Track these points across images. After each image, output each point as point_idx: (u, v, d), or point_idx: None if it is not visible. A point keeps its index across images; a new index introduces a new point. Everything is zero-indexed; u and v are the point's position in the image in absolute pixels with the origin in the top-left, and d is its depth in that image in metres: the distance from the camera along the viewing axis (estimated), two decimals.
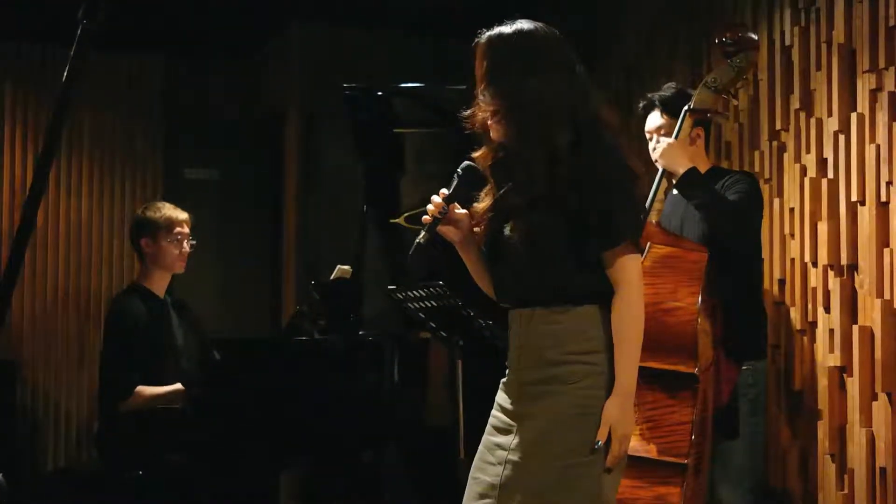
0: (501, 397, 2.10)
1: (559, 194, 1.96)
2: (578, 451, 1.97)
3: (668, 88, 3.08)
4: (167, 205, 3.72)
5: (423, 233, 2.02)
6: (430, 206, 2.05)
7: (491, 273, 2.14)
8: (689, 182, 2.88)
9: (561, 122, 1.99)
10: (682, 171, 2.88)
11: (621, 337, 2.00)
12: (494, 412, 2.10)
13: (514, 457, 2.00)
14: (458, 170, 2.07)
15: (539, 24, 2.06)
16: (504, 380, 2.12)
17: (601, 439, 1.97)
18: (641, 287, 2.02)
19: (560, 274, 2.01)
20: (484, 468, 2.05)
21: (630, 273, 2.00)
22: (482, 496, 2.01)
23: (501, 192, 2.06)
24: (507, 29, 2.03)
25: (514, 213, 2.03)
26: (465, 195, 2.07)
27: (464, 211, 2.09)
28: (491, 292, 2.17)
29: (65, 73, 1.60)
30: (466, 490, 2.07)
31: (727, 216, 2.88)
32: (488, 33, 2.03)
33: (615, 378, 2.00)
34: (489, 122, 2.03)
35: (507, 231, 2.05)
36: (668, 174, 2.95)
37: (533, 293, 2.04)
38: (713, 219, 2.87)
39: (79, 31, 1.60)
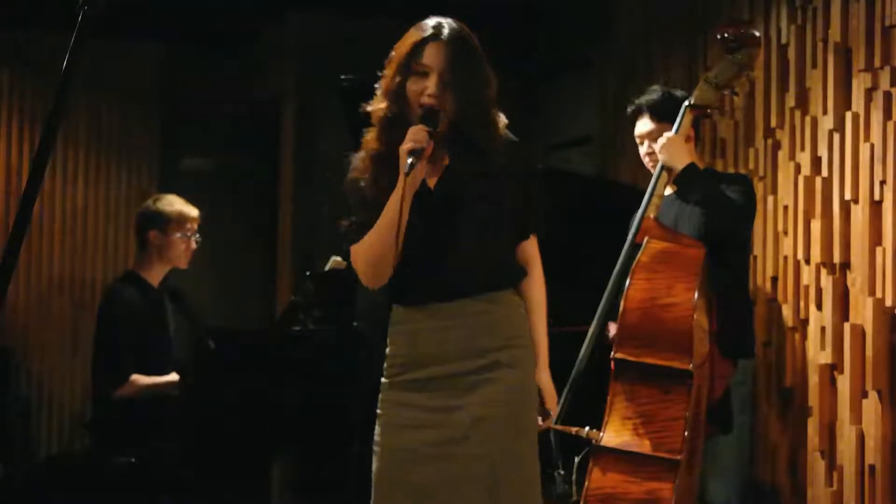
0: (405, 396, 2.04)
1: (505, 185, 2.07)
2: (525, 432, 2.06)
3: (655, 92, 3.08)
4: (179, 199, 3.73)
5: (411, 161, 1.94)
6: (417, 136, 1.97)
7: (411, 267, 2.02)
8: (689, 177, 2.89)
9: (495, 119, 2.10)
10: (681, 166, 2.89)
11: (541, 307, 2.16)
12: (400, 412, 2.04)
13: (456, 449, 1.99)
14: (429, 109, 2.01)
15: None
16: (408, 378, 2.05)
17: (552, 409, 2.13)
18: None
19: (498, 261, 2.09)
20: (411, 471, 2.01)
21: (537, 249, 2.18)
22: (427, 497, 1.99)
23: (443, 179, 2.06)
24: (454, 23, 2.06)
25: (459, 203, 2.02)
26: (433, 134, 2.02)
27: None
28: (388, 271, 2.01)
29: (65, 61, 1.61)
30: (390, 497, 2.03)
31: (726, 211, 2.89)
32: (445, 28, 2.04)
33: (539, 348, 2.13)
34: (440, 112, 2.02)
35: (441, 221, 2.02)
36: (666, 170, 2.94)
37: (470, 283, 2.04)
38: (712, 213, 2.87)
39: (79, 18, 1.60)
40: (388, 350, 2.13)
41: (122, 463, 3.40)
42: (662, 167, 2.93)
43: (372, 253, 2.02)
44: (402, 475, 2.03)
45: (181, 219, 3.63)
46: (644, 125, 3.08)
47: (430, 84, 2.01)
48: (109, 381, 3.51)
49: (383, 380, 2.12)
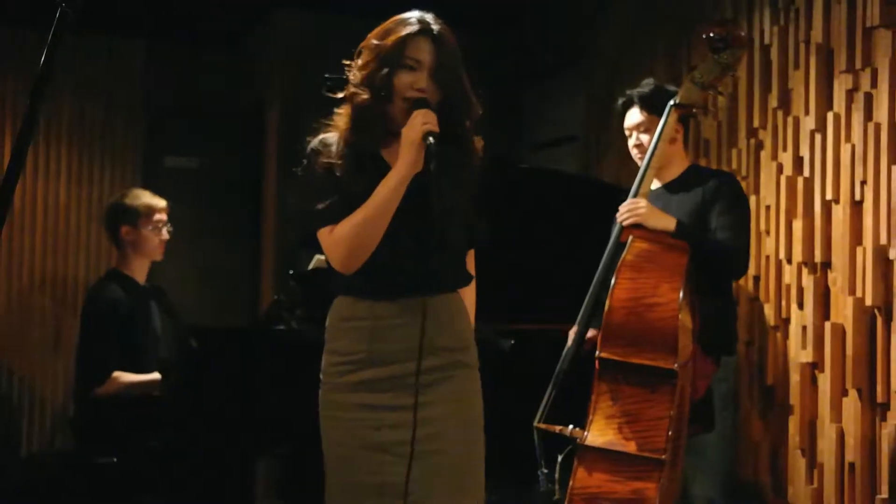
0: (361, 397, 2.01)
1: (471, 189, 2.11)
2: (480, 424, 2.11)
3: (647, 85, 3.10)
4: (144, 192, 3.74)
5: (431, 139, 1.95)
6: (428, 117, 1.97)
7: (382, 257, 2.01)
8: (682, 238, 2.85)
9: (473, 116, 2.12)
10: (671, 227, 2.82)
11: (472, 306, 2.20)
12: (358, 415, 2.01)
13: (424, 447, 1.98)
14: (420, 97, 2.01)
15: None
16: (354, 379, 2.03)
17: None
18: None
19: (458, 262, 2.14)
20: (382, 471, 1.99)
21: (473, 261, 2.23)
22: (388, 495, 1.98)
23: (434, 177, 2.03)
24: (437, 20, 2.07)
25: (435, 199, 1.96)
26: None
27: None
28: (364, 256, 2.00)
29: (42, 57, 1.60)
30: (355, 493, 2.01)
31: (725, 262, 2.89)
32: (434, 23, 2.05)
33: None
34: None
35: (415, 213, 2.00)
36: (651, 169, 2.95)
37: (434, 281, 2.05)
38: (712, 267, 2.84)
39: (57, 15, 1.60)
40: (334, 346, 2.08)
41: (104, 462, 3.39)
42: (647, 166, 2.94)
43: (357, 237, 1.98)
44: (366, 476, 2.00)
45: (149, 211, 3.63)
46: (634, 116, 3.08)
47: (421, 78, 2.02)
48: (92, 379, 3.50)
49: (326, 378, 2.08)
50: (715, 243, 2.89)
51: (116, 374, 3.48)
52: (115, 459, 3.38)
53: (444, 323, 2.06)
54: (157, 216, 3.64)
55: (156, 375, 3.48)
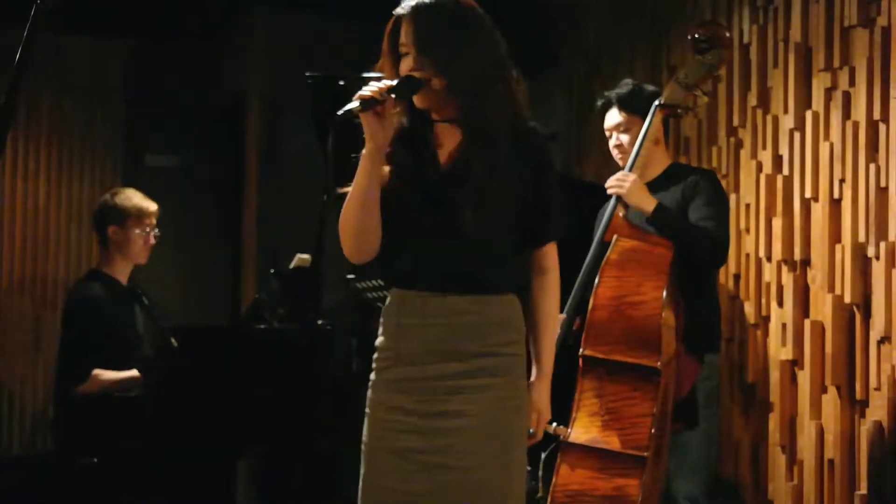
0: (393, 398, 1.94)
1: (521, 179, 1.95)
2: (516, 443, 1.95)
3: (625, 85, 3.11)
4: (137, 193, 3.69)
5: (355, 104, 1.85)
6: (371, 87, 1.88)
7: (406, 250, 1.97)
8: (662, 220, 2.88)
9: (503, 88, 1.95)
10: (650, 208, 2.86)
11: (550, 317, 2.04)
12: (391, 416, 1.94)
13: (438, 458, 1.90)
14: (408, 76, 1.93)
15: None
16: (391, 376, 1.96)
17: (534, 426, 2.00)
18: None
19: (498, 261, 1.96)
20: (402, 476, 1.92)
21: (555, 258, 2.05)
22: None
23: (452, 161, 1.96)
24: (427, 0, 1.95)
25: (460, 184, 1.91)
26: (404, 99, 1.95)
27: (396, 111, 1.93)
28: (362, 242, 1.96)
29: (17, 55, 1.59)
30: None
31: (706, 248, 2.90)
32: (411, 4, 1.95)
33: (540, 361, 2.02)
34: (423, 92, 1.94)
35: (446, 203, 1.92)
36: (636, 169, 2.96)
37: (465, 278, 1.93)
38: (693, 253, 2.85)
39: (32, 12, 1.59)
40: (377, 341, 2.02)
41: (84, 463, 3.37)
42: (631, 165, 2.95)
43: (344, 223, 1.95)
44: (392, 481, 1.94)
45: (140, 214, 3.59)
46: (613, 117, 3.10)
47: (408, 60, 1.94)
48: (72, 378, 3.48)
49: (372, 375, 2.01)
50: (696, 228, 2.90)
51: (96, 372, 3.46)
52: (95, 460, 3.36)
53: (464, 325, 1.92)
54: (147, 220, 3.61)
55: (135, 373, 3.46)
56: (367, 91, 1.87)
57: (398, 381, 1.95)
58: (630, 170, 2.94)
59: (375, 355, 2.01)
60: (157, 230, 3.65)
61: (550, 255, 2.05)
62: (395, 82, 1.91)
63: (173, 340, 3.33)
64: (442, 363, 1.92)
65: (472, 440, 1.90)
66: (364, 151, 1.93)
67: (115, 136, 5.26)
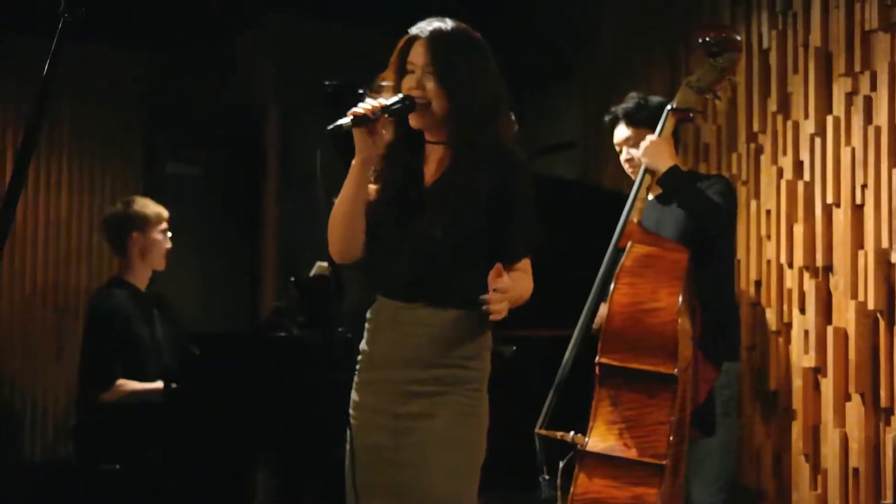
0: (367, 399, 2.07)
1: (496, 196, 2.04)
2: (469, 452, 2.04)
3: (630, 100, 3.12)
4: (148, 200, 3.80)
5: (347, 120, 1.95)
6: (365, 104, 1.99)
7: (383, 258, 2.09)
8: (672, 180, 2.90)
9: (495, 124, 2.05)
10: (663, 168, 2.89)
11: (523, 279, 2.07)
12: (361, 414, 2.07)
13: (402, 456, 2.00)
14: (403, 96, 2.02)
15: (465, 25, 2.10)
16: (364, 378, 2.09)
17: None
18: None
19: (464, 277, 2.03)
20: (374, 469, 2.04)
21: (528, 267, 2.12)
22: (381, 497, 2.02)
23: (434, 179, 2.06)
24: (446, 25, 2.06)
25: (437, 206, 2.02)
26: (397, 118, 2.04)
27: (385, 132, 2.02)
28: (347, 244, 2.08)
29: (45, 67, 1.60)
30: (360, 494, 2.04)
31: (710, 213, 2.90)
32: (430, 27, 2.05)
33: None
34: (419, 113, 2.03)
35: (419, 220, 2.03)
36: (649, 173, 2.95)
37: (429, 290, 2.03)
38: (696, 215, 2.88)
39: (60, 25, 1.60)
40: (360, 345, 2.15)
41: (106, 470, 3.39)
42: (645, 171, 2.94)
43: (331, 227, 2.09)
44: (366, 476, 2.05)
45: (158, 219, 3.70)
46: (621, 132, 3.11)
47: (411, 79, 2.04)
48: (95, 385, 3.50)
49: (355, 377, 2.14)
50: (702, 193, 2.91)
51: (120, 381, 3.49)
52: (117, 467, 3.37)
53: (430, 335, 2.02)
54: (164, 224, 3.72)
55: (159, 385, 3.48)
56: (360, 108, 1.97)
57: (371, 382, 2.08)
58: (642, 177, 2.94)
59: (359, 357, 2.14)
60: (170, 234, 3.73)
61: (524, 266, 2.13)
62: (389, 102, 2.01)
63: (195, 348, 3.34)
64: (404, 368, 2.03)
65: (427, 445, 2.00)
66: (353, 162, 2.04)
67: (135, 145, 5.29)
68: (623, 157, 3.11)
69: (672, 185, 2.89)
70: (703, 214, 2.88)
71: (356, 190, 2.05)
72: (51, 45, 1.61)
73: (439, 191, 2.05)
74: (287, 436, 3.28)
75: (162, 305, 3.76)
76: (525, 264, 2.12)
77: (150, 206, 3.72)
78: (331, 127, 1.94)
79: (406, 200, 2.06)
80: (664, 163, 2.88)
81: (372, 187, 2.09)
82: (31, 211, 5.07)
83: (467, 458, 2.05)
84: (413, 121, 2.06)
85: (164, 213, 3.74)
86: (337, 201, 2.07)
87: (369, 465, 2.05)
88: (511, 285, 1.97)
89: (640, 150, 2.96)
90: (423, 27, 2.07)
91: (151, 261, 3.69)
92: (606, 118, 3.16)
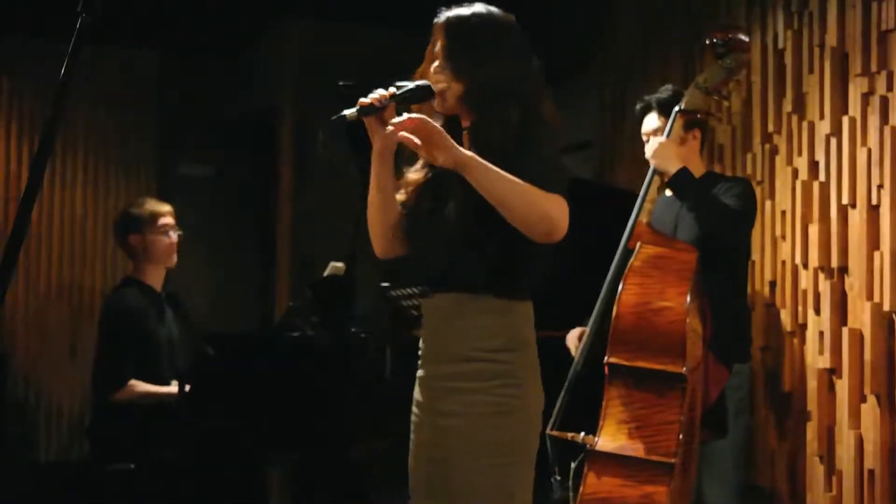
0: (417, 392, 2.07)
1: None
2: (498, 451, 1.94)
3: (665, 90, 3.10)
4: (149, 199, 3.80)
5: (353, 110, 1.92)
6: (373, 94, 1.95)
7: (413, 248, 2.07)
8: (681, 182, 2.90)
9: (515, 107, 1.97)
10: (673, 170, 2.89)
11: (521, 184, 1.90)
12: (416, 410, 2.06)
13: (437, 454, 1.99)
14: (418, 82, 1.99)
15: (496, 9, 2.05)
16: (417, 374, 2.08)
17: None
18: (562, 223, 1.95)
19: (483, 257, 1.95)
20: (415, 467, 2.04)
21: (557, 200, 1.94)
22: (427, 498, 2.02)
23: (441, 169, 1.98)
24: (465, 11, 2.02)
25: (453, 189, 1.96)
26: (406, 108, 1.98)
27: (400, 119, 1.92)
28: (382, 239, 2.07)
29: (63, 67, 1.61)
30: (412, 494, 2.05)
31: (719, 217, 2.90)
32: (447, 13, 2.02)
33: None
34: (438, 98, 2.00)
35: (443, 207, 1.99)
36: (658, 174, 2.95)
37: (449, 276, 1.98)
38: (705, 220, 2.88)
39: (78, 25, 1.60)
40: None
41: (120, 470, 3.40)
42: (654, 171, 2.94)
43: (367, 221, 2.07)
44: (413, 471, 2.07)
45: (154, 216, 3.65)
46: (651, 121, 3.09)
47: (428, 68, 2.03)
48: (107, 385, 3.51)
49: None
50: (712, 197, 2.90)
51: (133, 382, 3.49)
52: (131, 467, 3.39)
53: (455, 327, 1.98)
54: (162, 220, 3.67)
55: (173, 388, 3.49)
56: (367, 98, 1.94)
57: (420, 378, 2.07)
58: (651, 177, 2.94)
59: None
60: (177, 228, 3.70)
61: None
62: (397, 90, 1.97)
63: (209, 348, 3.35)
64: (439, 363, 2.01)
65: (457, 442, 1.96)
66: (372, 154, 2.02)
67: (149, 145, 5.32)
68: (648, 147, 3.10)
69: (681, 188, 2.89)
70: (712, 218, 2.87)
71: (377, 180, 2.02)
72: (67, 46, 1.62)
73: (455, 175, 1.96)
74: (300, 436, 3.28)
75: (177, 305, 3.76)
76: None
77: (145, 206, 3.68)
78: (334, 117, 1.90)
79: (436, 189, 2.02)
80: (673, 165, 2.88)
81: (412, 177, 2.06)
82: (45, 211, 5.11)
83: (497, 462, 1.94)
84: (437, 106, 2.02)
85: (162, 208, 3.68)
86: (368, 198, 2.05)
87: (416, 463, 2.05)
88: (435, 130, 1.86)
89: (648, 152, 2.96)
90: (442, 13, 2.04)
91: (158, 259, 3.67)
92: (638, 106, 3.14)
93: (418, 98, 1.99)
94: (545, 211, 1.91)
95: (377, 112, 1.94)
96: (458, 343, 1.98)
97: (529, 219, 1.90)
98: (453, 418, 1.97)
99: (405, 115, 1.91)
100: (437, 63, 2.01)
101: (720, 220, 2.89)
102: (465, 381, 1.97)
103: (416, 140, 1.88)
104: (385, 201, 2.04)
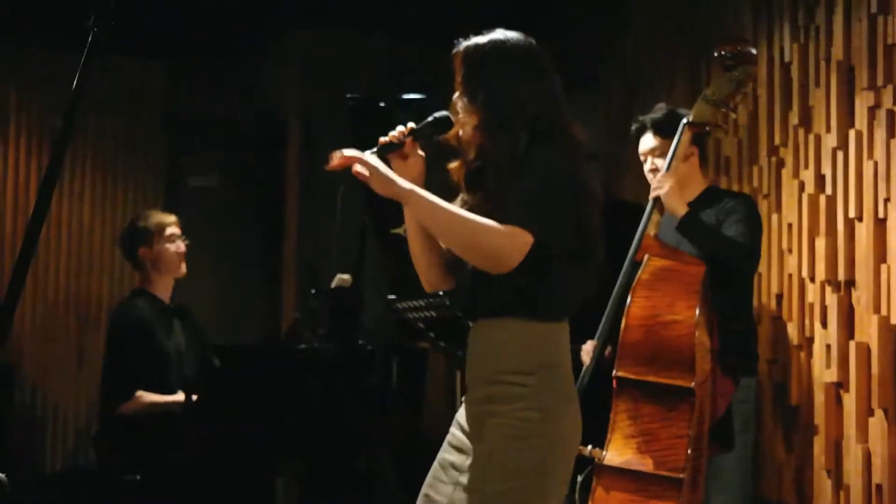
0: (460, 414, 2.07)
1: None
2: (513, 475, 1.91)
3: (659, 110, 3.11)
4: (154, 211, 3.83)
5: (372, 151, 1.96)
6: (392, 132, 2.00)
7: (459, 279, 2.08)
8: (689, 227, 2.89)
9: (522, 132, 1.97)
10: (681, 213, 2.89)
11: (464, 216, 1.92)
12: (453, 429, 2.07)
13: (463, 479, 1.98)
14: (435, 115, 2.02)
15: (514, 34, 2.05)
16: (464, 396, 2.09)
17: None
18: (511, 258, 1.89)
19: (500, 282, 1.92)
20: (435, 486, 2.02)
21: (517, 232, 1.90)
22: None
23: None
24: (481, 39, 2.03)
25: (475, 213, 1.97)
26: (428, 140, 2.02)
27: (421, 154, 2.01)
28: (427, 274, 2.09)
29: (75, 80, 1.62)
30: None
31: (727, 253, 2.89)
32: (465, 43, 2.04)
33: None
34: (461, 131, 2.01)
35: None
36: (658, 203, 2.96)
37: (476, 302, 2.01)
38: (718, 259, 2.85)
39: (90, 38, 1.61)
40: None
41: (127, 480, 3.40)
42: (654, 203, 2.95)
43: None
44: (426, 488, 2.07)
45: (160, 227, 3.68)
46: (647, 142, 3.10)
47: (453, 98, 2.04)
48: (116, 396, 3.52)
49: None
50: (722, 235, 2.90)
51: (140, 394, 3.50)
52: (137, 477, 3.39)
53: (480, 351, 2.01)
54: (169, 230, 3.69)
55: (179, 397, 3.49)
56: (385, 137, 1.98)
57: (464, 400, 2.08)
58: (651, 208, 2.94)
59: None
60: (184, 238, 3.72)
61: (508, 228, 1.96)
62: (415, 125, 2.00)
63: (216, 360, 3.36)
64: (472, 389, 2.03)
65: (477, 468, 1.96)
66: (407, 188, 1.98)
67: (158, 157, 5.34)
68: (647, 168, 3.11)
69: (690, 232, 2.88)
70: (723, 256, 2.87)
71: (409, 215, 2.03)
72: (75, 56, 1.63)
73: (476, 205, 1.97)
74: (307, 447, 3.29)
75: (185, 316, 3.77)
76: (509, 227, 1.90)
77: (151, 218, 3.71)
78: (355, 170, 1.91)
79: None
80: (682, 206, 2.89)
81: None
82: (53, 222, 5.12)
83: (502, 487, 1.91)
84: (457, 136, 2.02)
85: (168, 219, 3.71)
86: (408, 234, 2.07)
87: (437, 478, 2.03)
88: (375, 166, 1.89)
89: (661, 189, 2.92)
90: (460, 42, 2.05)
91: (166, 270, 3.68)
92: (633, 126, 3.15)
93: (436, 130, 2.01)
94: (490, 246, 1.89)
95: (397, 149, 1.99)
96: (481, 367, 2.00)
97: (469, 253, 1.93)
98: (475, 443, 1.98)
99: (341, 152, 1.92)
100: (456, 94, 2.03)
101: (728, 255, 2.89)
102: (489, 405, 1.96)
103: (366, 172, 1.91)
104: (417, 235, 2.05)
